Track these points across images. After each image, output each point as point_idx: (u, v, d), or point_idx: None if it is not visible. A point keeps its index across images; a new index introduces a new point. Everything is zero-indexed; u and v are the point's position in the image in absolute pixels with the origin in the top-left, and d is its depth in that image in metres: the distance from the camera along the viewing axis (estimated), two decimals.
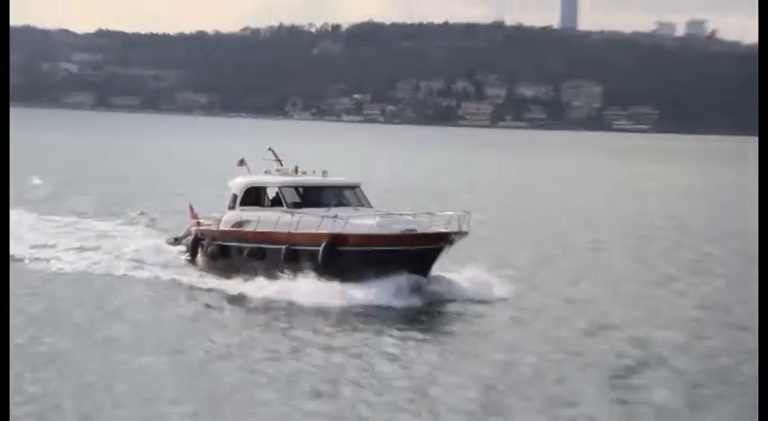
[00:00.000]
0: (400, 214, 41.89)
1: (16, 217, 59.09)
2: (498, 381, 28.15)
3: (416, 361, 30.06)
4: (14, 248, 46.71)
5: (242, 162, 45.81)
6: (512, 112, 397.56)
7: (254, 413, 24.85)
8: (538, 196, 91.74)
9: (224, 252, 43.25)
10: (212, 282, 41.62)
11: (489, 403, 25.97)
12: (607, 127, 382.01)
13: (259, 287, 39.19)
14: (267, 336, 33.03)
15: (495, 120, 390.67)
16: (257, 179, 44.35)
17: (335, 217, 40.01)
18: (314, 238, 39.62)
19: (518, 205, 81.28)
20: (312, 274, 38.74)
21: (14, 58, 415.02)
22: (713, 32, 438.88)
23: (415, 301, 37.48)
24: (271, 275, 39.84)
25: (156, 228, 56.52)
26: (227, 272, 42.33)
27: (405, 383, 27.62)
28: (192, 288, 40.87)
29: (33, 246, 48.63)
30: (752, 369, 27.81)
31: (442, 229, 39.19)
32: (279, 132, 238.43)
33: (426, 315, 36.36)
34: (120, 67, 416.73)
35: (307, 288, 38.06)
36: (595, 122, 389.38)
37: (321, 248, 39.08)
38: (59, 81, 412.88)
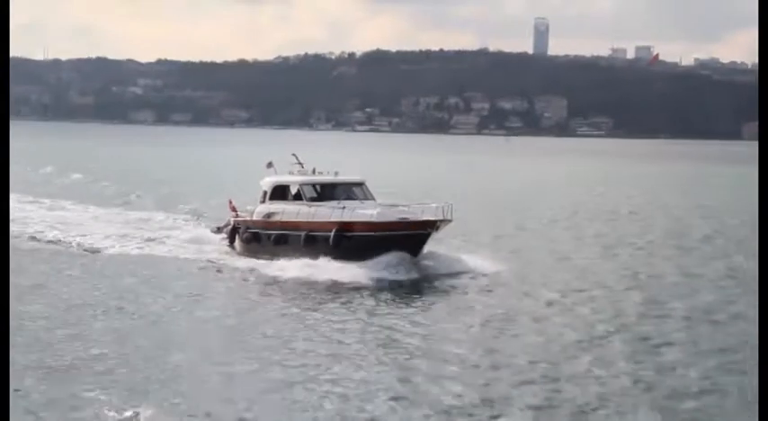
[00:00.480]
0: (397, 205, 42.00)
1: (89, 212, 59.80)
2: (444, 325, 28.84)
3: (383, 314, 31.04)
4: (92, 238, 47.51)
5: (270, 164, 45.92)
6: (494, 122, 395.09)
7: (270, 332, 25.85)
8: (511, 187, 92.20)
9: (256, 238, 43.49)
10: (246, 261, 41.87)
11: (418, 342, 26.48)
12: (572, 133, 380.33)
13: (282, 266, 39.42)
14: (286, 299, 34.19)
15: (481, 128, 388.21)
16: (282, 178, 44.59)
17: (344, 208, 40.40)
18: (326, 226, 39.93)
19: (494, 195, 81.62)
20: (325, 255, 39.12)
21: (91, 83, 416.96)
22: (656, 56, 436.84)
23: (406, 275, 37.68)
24: (292, 256, 40.31)
25: (202, 219, 56.93)
26: (258, 254, 42.65)
27: (374, 332, 28.46)
28: (229, 266, 41.28)
29: (107, 237, 48.90)
30: None
31: (430, 217, 39.38)
32: (305, 140, 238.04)
33: (411, 286, 36.66)
34: (176, 89, 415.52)
35: (320, 265, 38.43)
36: (563, 129, 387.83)
37: (332, 234, 39.47)
38: (127, 101, 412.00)
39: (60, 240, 47.68)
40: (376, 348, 26.66)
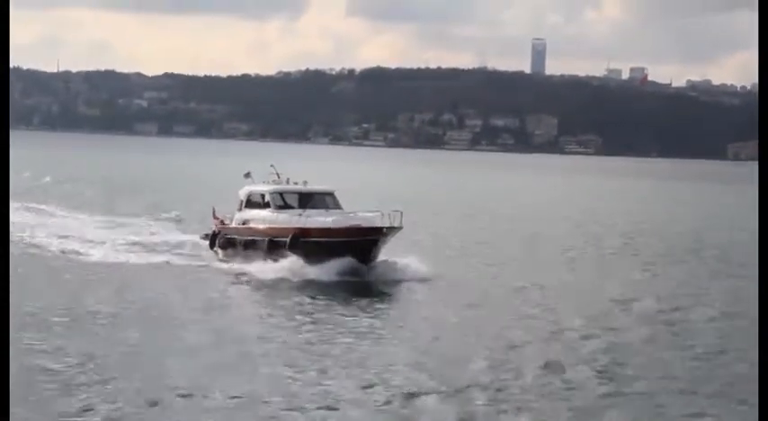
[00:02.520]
0: (356, 213, 43.99)
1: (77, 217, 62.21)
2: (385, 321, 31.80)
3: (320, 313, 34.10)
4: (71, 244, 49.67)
5: (248, 175, 48.47)
6: (486, 139, 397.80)
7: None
8: (491, 199, 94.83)
9: (231, 243, 46.08)
10: (220, 265, 44.61)
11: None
12: (561, 150, 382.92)
13: (248, 268, 42.40)
14: (243, 293, 37.89)
15: (473, 144, 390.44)
16: (256, 188, 47.19)
17: (300, 215, 43.19)
18: (285, 231, 42.63)
19: (473, 206, 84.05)
20: (284, 258, 41.80)
21: (97, 96, 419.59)
22: (646, 76, 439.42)
23: (353, 278, 40.24)
24: (258, 259, 43.16)
25: (185, 225, 59.90)
26: (233, 258, 45.34)
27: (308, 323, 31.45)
28: (206, 269, 43.93)
29: (89, 241, 50.77)
30: None
31: (378, 224, 41.61)
32: (303, 154, 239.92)
33: (354, 288, 39.01)
34: (181, 102, 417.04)
35: (277, 267, 41.32)
36: (552, 147, 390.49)
37: (288, 239, 42.19)
38: (132, 113, 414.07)
39: (40, 245, 49.17)
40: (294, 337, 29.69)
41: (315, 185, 46.85)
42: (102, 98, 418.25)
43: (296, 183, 46.88)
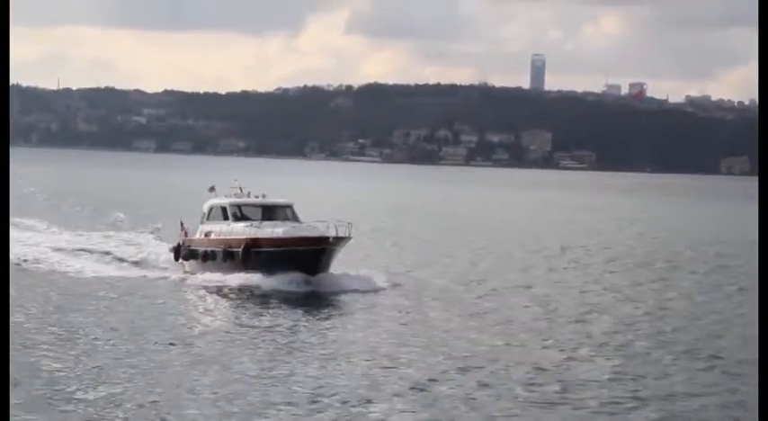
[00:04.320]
0: (305, 224, 45.26)
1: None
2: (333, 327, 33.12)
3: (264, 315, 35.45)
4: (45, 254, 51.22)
5: (212, 189, 49.92)
6: (481, 154, 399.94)
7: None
8: (468, 213, 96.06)
9: (193, 254, 47.55)
10: (182, 275, 46.26)
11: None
12: (556, 166, 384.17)
13: (203, 277, 44.28)
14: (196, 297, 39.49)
15: (468, 160, 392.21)
16: (217, 201, 48.59)
17: (250, 225, 44.60)
18: (238, 242, 44.09)
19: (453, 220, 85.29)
20: (237, 267, 43.32)
21: (96, 113, 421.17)
22: (640, 92, 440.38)
23: (301, 288, 41.69)
24: (215, 268, 44.63)
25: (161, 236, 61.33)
26: (193, 268, 46.82)
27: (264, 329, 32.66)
28: (167, 279, 45.38)
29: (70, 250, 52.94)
30: None
31: (325, 234, 42.80)
32: (299, 170, 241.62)
33: (302, 297, 40.55)
34: (179, 119, 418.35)
35: (229, 276, 42.98)
36: (547, 162, 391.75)
37: (241, 249, 43.59)
38: (130, 130, 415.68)
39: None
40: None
41: (273, 198, 48.26)
42: (100, 115, 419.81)
43: (256, 196, 48.30)
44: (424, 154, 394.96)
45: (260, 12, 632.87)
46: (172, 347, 29.89)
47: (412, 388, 25.34)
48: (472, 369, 27.68)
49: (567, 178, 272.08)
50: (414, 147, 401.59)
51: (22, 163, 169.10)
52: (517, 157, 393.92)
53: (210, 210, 48.50)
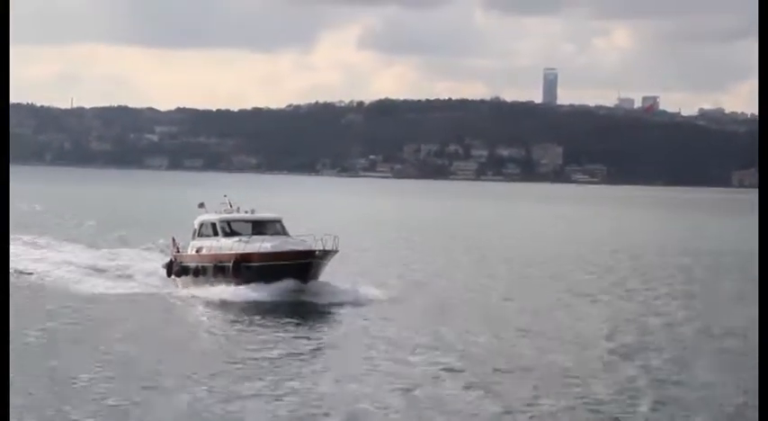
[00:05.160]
0: (292, 238, 45.98)
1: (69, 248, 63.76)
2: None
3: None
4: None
5: (201, 205, 50.30)
6: (492, 169, 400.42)
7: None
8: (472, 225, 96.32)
9: (185, 270, 48.05)
10: (173, 289, 46.78)
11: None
12: (567, 179, 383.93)
13: (196, 292, 44.78)
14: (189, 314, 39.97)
15: (479, 174, 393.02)
16: (207, 217, 49.05)
17: (239, 240, 45.01)
18: (228, 257, 44.58)
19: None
20: (228, 281, 43.89)
21: (109, 131, 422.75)
22: (651, 105, 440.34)
23: (289, 298, 42.31)
24: (206, 283, 45.01)
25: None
26: (186, 284, 47.27)
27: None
28: (158, 294, 45.81)
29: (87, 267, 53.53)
30: None
31: (312, 248, 43.53)
32: (310, 186, 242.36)
33: (287, 308, 41.07)
34: (191, 136, 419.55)
35: (220, 289, 43.55)
36: (558, 176, 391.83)
37: (231, 264, 44.04)
38: (142, 148, 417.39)
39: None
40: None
41: (262, 213, 48.74)
42: (113, 133, 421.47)
43: (246, 212, 48.67)
44: (435, 169, 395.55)
45: (273, 29, 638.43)
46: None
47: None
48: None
49: (580, 192, 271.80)
50: (424, 162, 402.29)
51: (30, 181, 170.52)
52: (528, 171, 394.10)
53: (201, 226, 48.93)
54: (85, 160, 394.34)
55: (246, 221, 47.69)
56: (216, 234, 47.40)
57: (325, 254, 43.33)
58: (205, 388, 26.68)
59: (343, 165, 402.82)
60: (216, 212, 49.35)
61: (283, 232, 47.00)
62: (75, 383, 26.96)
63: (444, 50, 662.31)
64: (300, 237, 46.20)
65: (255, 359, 30.80)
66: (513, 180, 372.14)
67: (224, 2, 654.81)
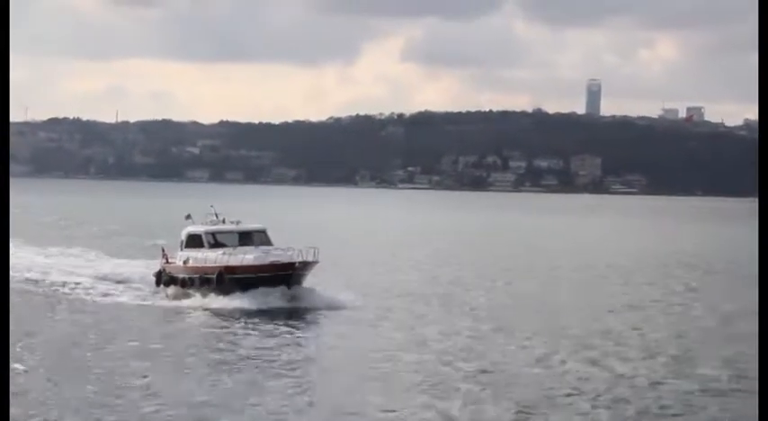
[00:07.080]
0: (275, 249, 46.17)
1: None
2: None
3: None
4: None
5: (188, 216, 50.62)
6: (530, 180, 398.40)
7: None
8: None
9: (173, 280, 48.30)
10: (160, 299, 46.92)
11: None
12: (606, 190, 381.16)
13: (183, 302, 45.15)
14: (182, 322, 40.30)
15: (517, 186, 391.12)
16: (193, 229, 49.31)
17: (223, 253, 45.23)
18: (213, 269, 44.91)
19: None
20: (213, 292, 44.38)
21: (153, 145, 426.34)
22: (691, 115, 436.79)
23: (271, 305, 42.74)
24: (193, 295, 45.60)
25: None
26: (174, 294, 47.40)
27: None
28: (145, 304, 45.82)
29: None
30: None
31: (292, 259, 43.90)
32: (348, 198, 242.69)
33: (269, 315, 41.26)
34: (232, 149, 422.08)
35: (206, 300, 44.15)
36: (597, 187, 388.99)
37: (215, 275, 44.31)
38: (184, 161, 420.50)
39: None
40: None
41: (247, 224, 48.86)
42: (156, 147, 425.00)
43: (231, 223, 48.74)
44: (473, 180, 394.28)
45: (316, 42, 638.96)
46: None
47: None
48: None
49: (615, 202, 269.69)
50: (462, 173, 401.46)
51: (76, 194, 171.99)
52: (566, 183, 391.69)
53: (187, 237, 49.14)
54: (128, 173, 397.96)
55: (232, 232, 47.78)
56: (201, 245, 47.55)
57: (305, 265, 43.83)
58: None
59: (381, 177, 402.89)
60: (202, 224, 49.50)
61: (268, 242, 47.32)
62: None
63: (487, 62, 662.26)
64: (282, 248, 46.41)
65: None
66: (552, 191, 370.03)
67: (267, 16, 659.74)
